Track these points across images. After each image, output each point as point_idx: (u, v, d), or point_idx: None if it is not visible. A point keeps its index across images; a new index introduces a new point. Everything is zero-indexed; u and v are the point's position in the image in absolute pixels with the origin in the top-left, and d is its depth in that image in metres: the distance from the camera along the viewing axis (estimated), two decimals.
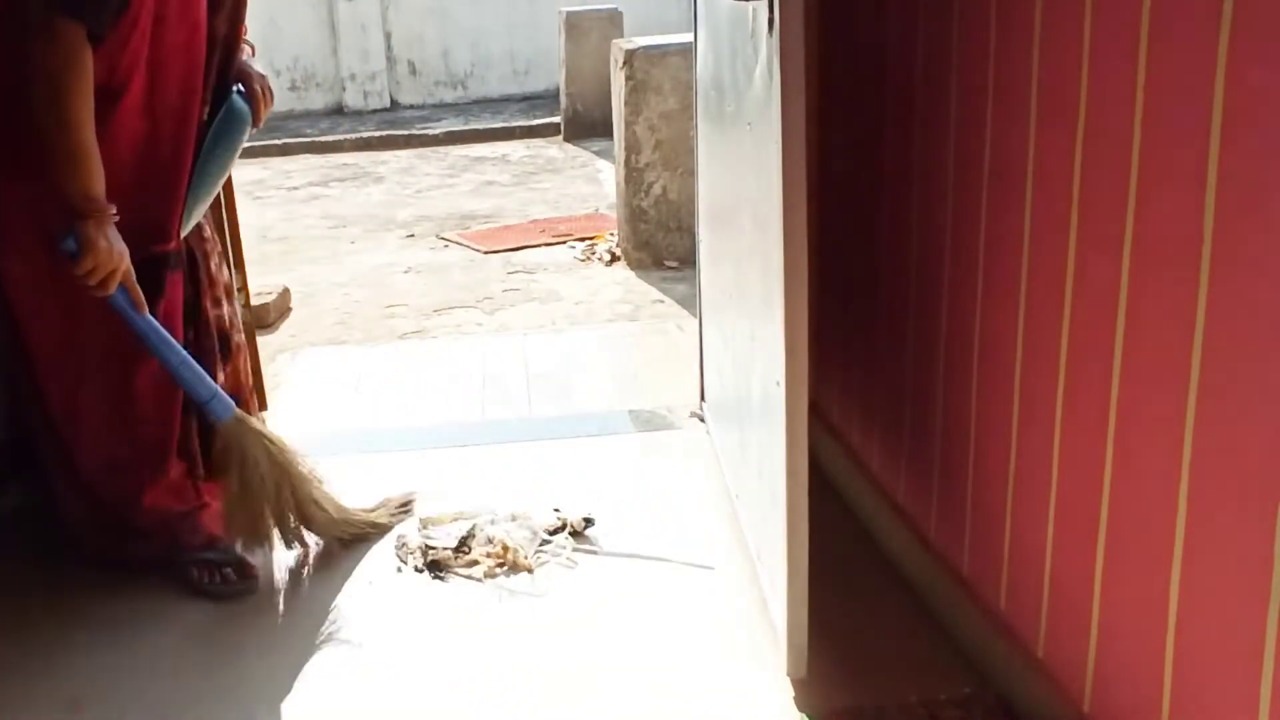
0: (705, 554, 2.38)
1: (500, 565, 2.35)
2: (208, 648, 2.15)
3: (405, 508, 2.59)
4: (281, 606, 2.27)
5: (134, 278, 2.09)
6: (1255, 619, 1.25)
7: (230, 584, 2.30)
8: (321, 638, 2.16)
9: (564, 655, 2.06)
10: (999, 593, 1.89)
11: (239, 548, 2.35)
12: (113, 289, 2.05)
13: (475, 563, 2.36)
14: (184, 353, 2.21)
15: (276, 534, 2.35)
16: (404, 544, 2.44)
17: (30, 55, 1.93)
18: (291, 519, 2.35)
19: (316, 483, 2.40)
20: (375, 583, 2.34)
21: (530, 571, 2.33)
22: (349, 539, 2.45)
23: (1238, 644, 1.28)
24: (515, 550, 2.37)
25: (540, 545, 2.42)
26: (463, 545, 2.41)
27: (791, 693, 1.90)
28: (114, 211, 2.02)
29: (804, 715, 1.85)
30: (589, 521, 2.49)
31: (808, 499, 1.80)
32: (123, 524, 2.32)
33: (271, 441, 2.33)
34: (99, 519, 2.34)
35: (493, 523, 2.47)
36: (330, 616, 2.22)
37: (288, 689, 2.01)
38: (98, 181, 2.00)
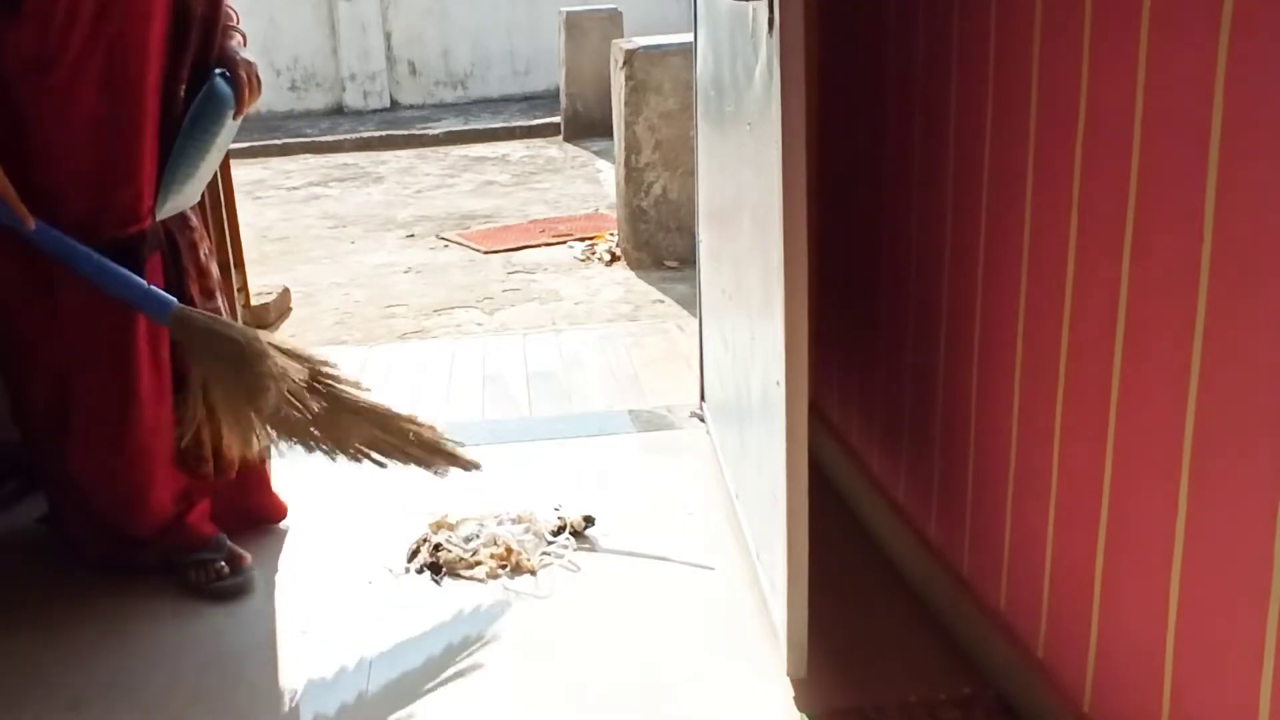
0: (705, 554, 2.38)
1: (503, 566, 2.35)
2: (207, 647, 2.15)
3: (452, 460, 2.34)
4: (281, 606, 2.27)
5: (10, 190, 1.98)
6: (1255, 619, 1.25)
7: (224, 578, 2.30)
8: (321, 638, 2.16)
9: (563, 655, 2.06)
10: (999, 593, 1.89)
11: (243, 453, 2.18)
12: None
13: (478, 563, 2.36)
14: (98, 258, 2.08)
15: (261, 431, 2.15)
16: (416, 545, 2.43)
17: None
18: (265, 409, 2.12)
19: (291, 362, 2.17)
20: (375, 582, 2.34)
21: (533, 574, 2.33)
22: (350, 448, 2.20)
23: (1238, 644, 1.28)
24: (518, 552, 2.37)
25: (545, 548, 2.42)
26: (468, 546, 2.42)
27: (791, 693, 1.90)
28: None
29: (804, 715, 1.85)
30: (589, 521, 2.49)
31: (808, 499, 1.80)
32: (117, 532, 2.31)
33: (219, 333, 2.15)
34: (95, 527, 2.33)
35: (499, 524, 2.48)
36: (330, 617, 2.22)
37: (287, 690, 2.01)
38: None
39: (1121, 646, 1.54)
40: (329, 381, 2.23)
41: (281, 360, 2.17)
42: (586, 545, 2.43)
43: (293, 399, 2.14)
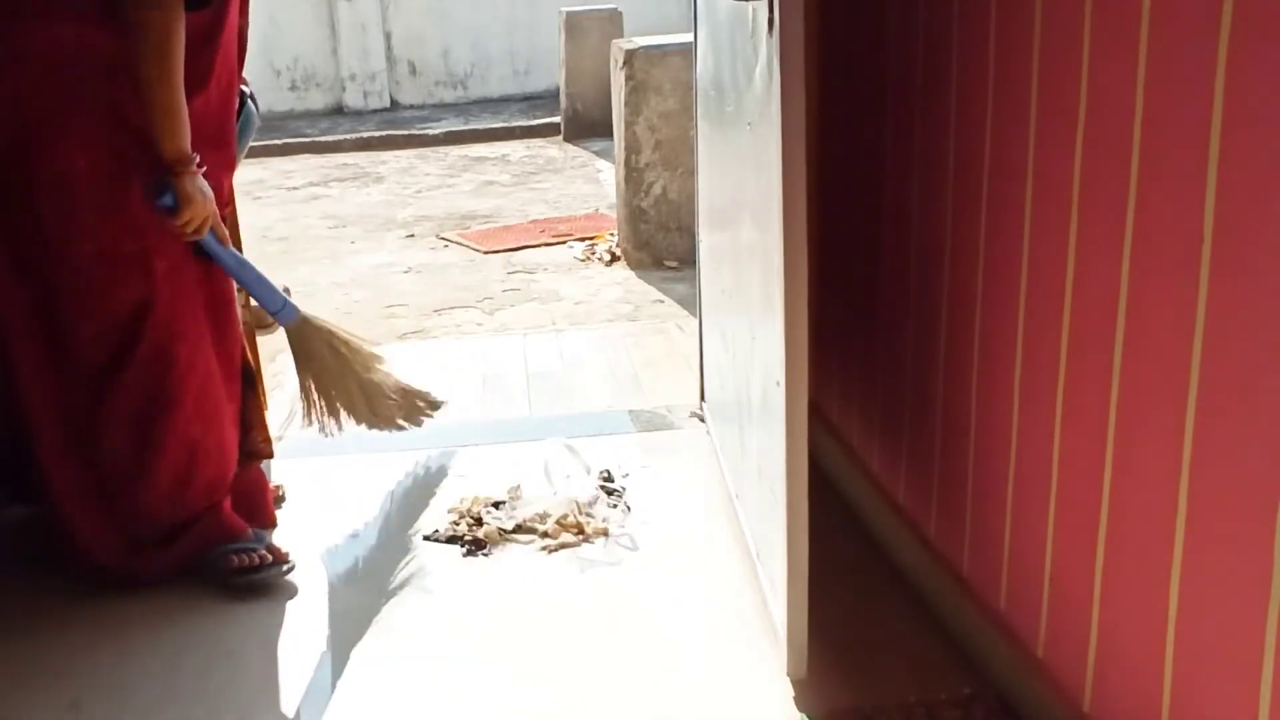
0: (705, 554, 2.38)
1: (579, 533, 2.46)
2: (207, 647, 2.15)
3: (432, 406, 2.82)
4: (281, 607, 2.27)
5: (219, 217, 2.27)
6: (1255, 619, 1.25)
7: (266, 564, 2.29)
8: (321, 638, 2.16)
9: (563, 656, 2.06)
10: (999, 593, 1.89)
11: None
12: (205, 234, 2.23)
13: (545, 534, 2.47)
14: (256, 270, 2.42)
15: (345, 415, 2.62)
16: (454, 520, 2.54)
17: (136, 19, 2.03)
18: (357, 404, 2.62)
19: (377, 368, 2.69)
20: (374, 583, 2.34)
21: (606, 536, 2.45)
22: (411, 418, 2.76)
23: (1238, 644, 1.28)
24: (583, 519, 2.49)
25: (593, 500, 2.59)
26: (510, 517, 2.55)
27: (791, 693, 1.90)
28: (199, 162, 2.17)
29: (804, 715, 1.85)
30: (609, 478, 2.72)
31: (808, 499, 1.80)
32: (137, 528, 2.27)
33: (334, 335, 2.61)
34: (117, 526, 2.27)
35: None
36: (330, 616, 2.23)
37: (287, 689, 2.01)
38: (188, 138, 2.14)
39: (1121, 646, 1.54)
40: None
41: (368, 366, 2.65)
42: (586, 545, 2.44)
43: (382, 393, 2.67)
